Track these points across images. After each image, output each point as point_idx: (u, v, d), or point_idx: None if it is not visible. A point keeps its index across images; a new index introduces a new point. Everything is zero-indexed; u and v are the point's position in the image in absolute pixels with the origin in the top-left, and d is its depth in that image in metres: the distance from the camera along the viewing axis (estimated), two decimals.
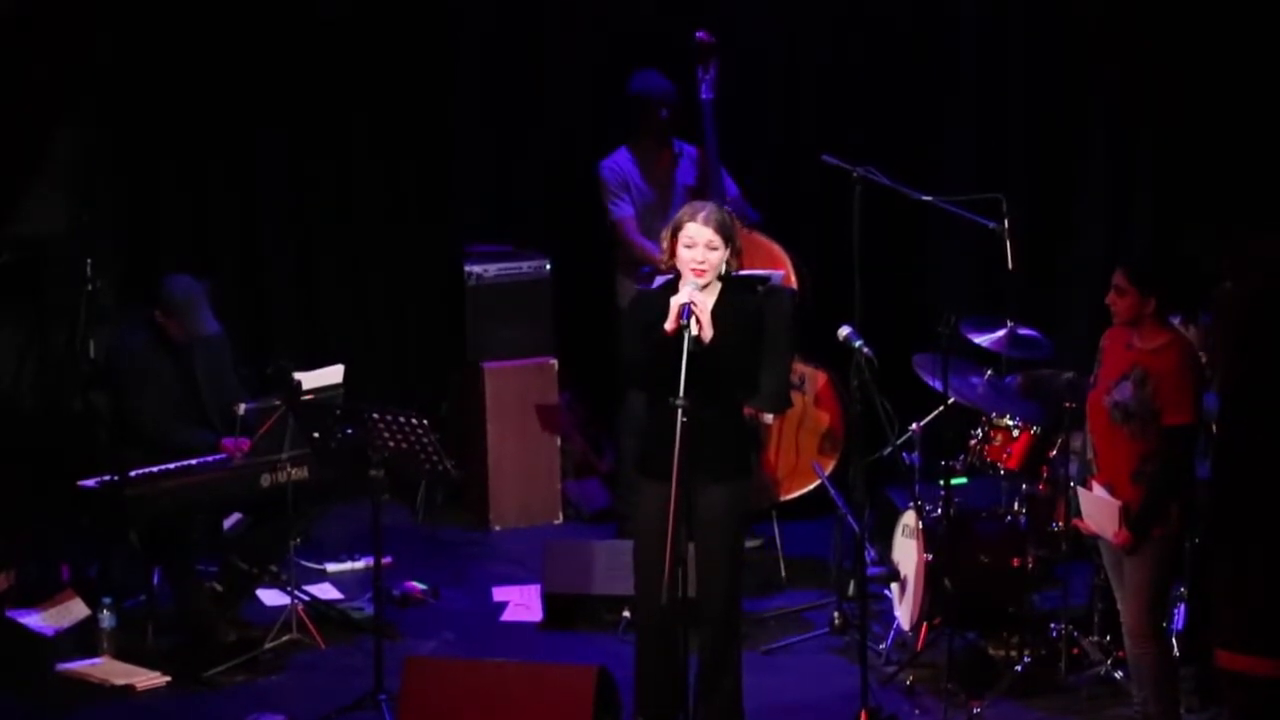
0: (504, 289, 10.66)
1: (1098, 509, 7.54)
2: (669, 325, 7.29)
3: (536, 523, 10.68)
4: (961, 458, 8.86)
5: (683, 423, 7.12)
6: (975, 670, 8.39)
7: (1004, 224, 9.02)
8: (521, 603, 9.51)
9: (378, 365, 11.12)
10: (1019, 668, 8.33)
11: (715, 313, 7.46)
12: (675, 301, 7.33)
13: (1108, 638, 8.31)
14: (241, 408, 8.77)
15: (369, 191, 11.19)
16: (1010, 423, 8.71)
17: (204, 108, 10.77)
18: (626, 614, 8.74)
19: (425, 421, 7.98)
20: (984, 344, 9.02)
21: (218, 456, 8.87)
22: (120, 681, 8.49)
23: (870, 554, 8.44)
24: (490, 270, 10.66)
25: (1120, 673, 8.12)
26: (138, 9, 10.56)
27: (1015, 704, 8.19)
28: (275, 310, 11.11)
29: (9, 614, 8.94)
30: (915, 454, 8.92)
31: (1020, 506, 8.74)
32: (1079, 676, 8.33)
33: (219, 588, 8.95)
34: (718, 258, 7.45)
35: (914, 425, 8.99)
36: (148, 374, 8.95)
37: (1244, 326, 7.86)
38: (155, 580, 9.00)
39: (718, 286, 7.52)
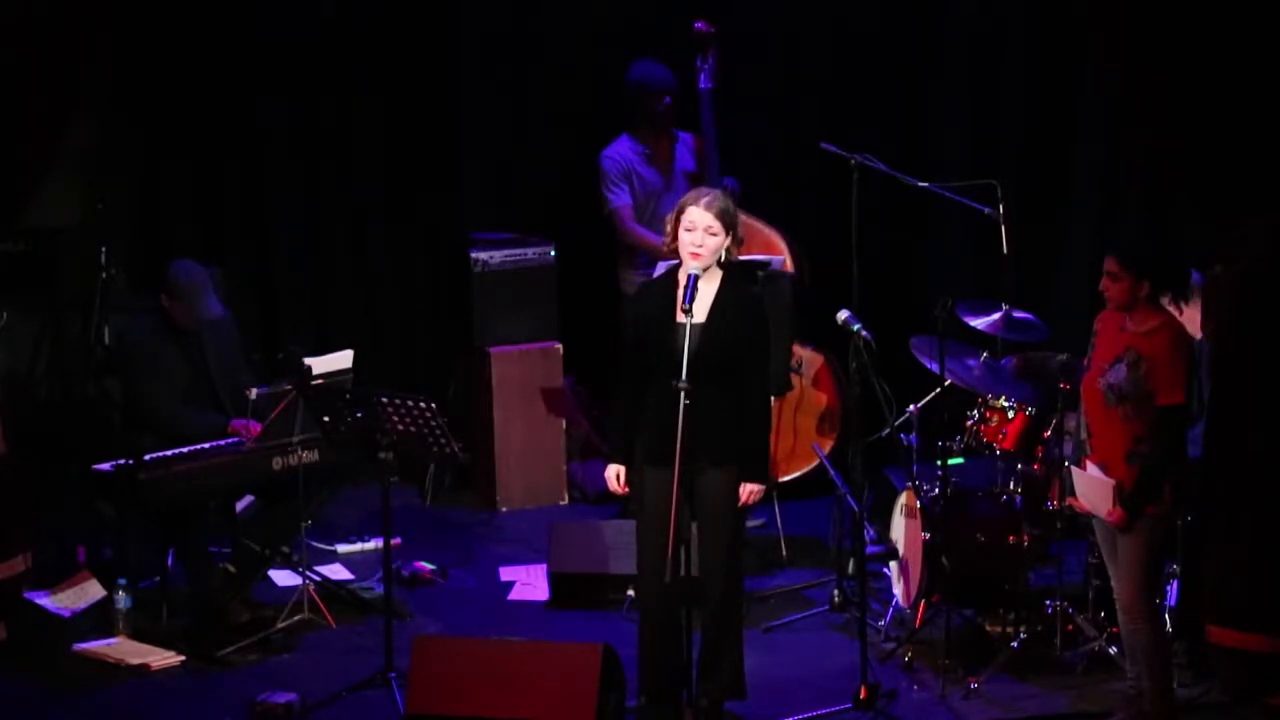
0: (509, 275, 10.67)
1: (1092, 488, 7.57)
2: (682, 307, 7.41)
3: (542, 504, 10.72)
4: (958, 438, 8.92)
5: (685, 405, 7.24)
6: (972, 646, 8.43)
7: (999, 209, 9.11)
8: (528, 582, 9.57)
9: (386, 350, 11.17)
10: (1015, 644, 8.35)
11: (717, 298, 7.57)
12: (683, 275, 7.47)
13: (1102, 614, 8.35)
14: (253, 392, 8.80)
15: (375, 180, 11.23)
16: (1006, 404, 8.76)
17: (213, 99, 10.83)
18: (630, 593, 8.78)
19: (433, 405, 8.03)
20: (980, 327, 9.08)
21: (229, 440, 8.92)
22: (135, 661, 8.55)
23: (869, 533, 8.47)
24: (496, 257, 10.67)
25: (1114, 648, 8.13)
26: (148, 2, 10.66)
27: (1011, 679, 8.22)
28: (285, 297, 11.16)
29: (27, 595, 8.96)
30: (913, 435, 8.96)
31: (1016, 486, 8.79)
32: (1074, 652, 8.37)
33: (232, 569, 8.98)
34: (716, 243, 7.52)
35: (911, 407, 9.06)
36: (156, 360, 8.99)
37: (1234, 308, 7.98)
38: (169, 562, 9.06)
39: (719, 273, 7.62)
